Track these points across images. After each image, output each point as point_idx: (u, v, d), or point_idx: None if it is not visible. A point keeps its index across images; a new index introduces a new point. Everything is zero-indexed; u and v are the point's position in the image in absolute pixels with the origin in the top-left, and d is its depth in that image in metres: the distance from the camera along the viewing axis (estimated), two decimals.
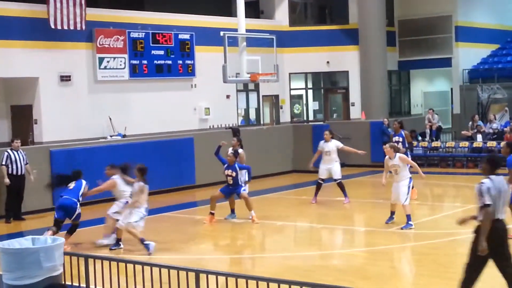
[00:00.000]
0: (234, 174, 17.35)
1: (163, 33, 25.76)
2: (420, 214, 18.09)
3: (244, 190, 17.47)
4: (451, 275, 12.01)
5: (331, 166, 19.52)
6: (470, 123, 28.79)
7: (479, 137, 27.51)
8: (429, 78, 36.37)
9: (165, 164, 23.04)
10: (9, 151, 18.80)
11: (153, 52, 25.45)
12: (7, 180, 18.60)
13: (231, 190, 17.55)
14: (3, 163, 18.66)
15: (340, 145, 19.77)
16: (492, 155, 9.94)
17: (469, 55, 33.34)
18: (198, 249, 15.09)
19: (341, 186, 19.62)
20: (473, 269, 9.25)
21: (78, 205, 14.78)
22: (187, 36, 26.49)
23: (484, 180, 9.32)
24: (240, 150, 18.10)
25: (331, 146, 19.45)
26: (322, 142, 19.70)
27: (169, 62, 25.91)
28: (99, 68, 24.00)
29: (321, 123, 29.70)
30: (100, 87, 24.25)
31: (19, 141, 19.18)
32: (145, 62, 25.21)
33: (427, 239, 15.11)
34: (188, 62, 26.52)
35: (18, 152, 18.89)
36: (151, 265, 9.24)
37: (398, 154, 16.07)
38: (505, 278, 9.29)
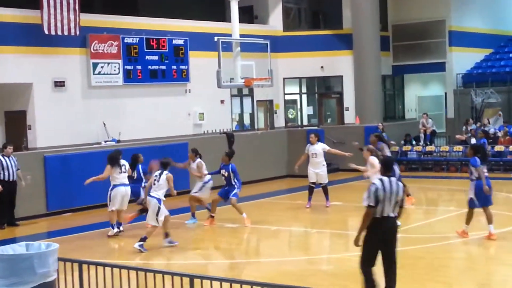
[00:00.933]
0: (226, 174, 17.54)
1: (157, 38, 25.77)
2: (414, 218, 18.12)
3: (235, 194, 17.54)
4: (444, 279, 12.06)
5: (319, 171, 19.60)
6: (464, 127, 28.84)
7: (473, 141, 27.53)
8: (423, 82, 36.42)
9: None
10: (0, 157, 18.75)
11: (147, 57, 25.45)
12: None
13: (226, 191, 17.66)
14: None
15: (327, 147, 19.97)
16: (387, 158, 10.46)
17: (462, 60, 33.39)
18: (192, 254, 15.07)
19: (325, 190, 19.75)
20: (368, 257, 10.00)
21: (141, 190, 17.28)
22: (181, 42, 26.50)
23: (375, 181, 10.01)
24: (198, 160, 18.13)
25: (317, 148, 19.57)
26: (308, 145, 19.81)
27: (163, 67, 25.91)
28: (93, 74, 23.98)
29: (316, 127, 29.74)
30: (94, 93, 24.24)
31: (12, 147, 19.14)
32: (139, 67, 25.21)
33: (421, 243, 15.13)
34: (182, 67, 26.53)
35: (10, 158, 18.84)
36: (145, 270, 9.22)
37: (371, 157, 16.51)
38: (386, 270, 10.02)
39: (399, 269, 12.89)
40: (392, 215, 9.93)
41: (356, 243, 10.01)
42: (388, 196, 9.86)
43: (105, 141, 23.62)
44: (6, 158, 18.74)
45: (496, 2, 35.99)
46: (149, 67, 25.51)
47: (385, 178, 10.01)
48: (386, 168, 10.21)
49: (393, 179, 10.04)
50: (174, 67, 26.28)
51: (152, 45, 25.55)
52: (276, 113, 31.02)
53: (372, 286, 10.07)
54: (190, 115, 27.10)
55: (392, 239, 10.03)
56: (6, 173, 18.66)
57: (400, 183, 10.19)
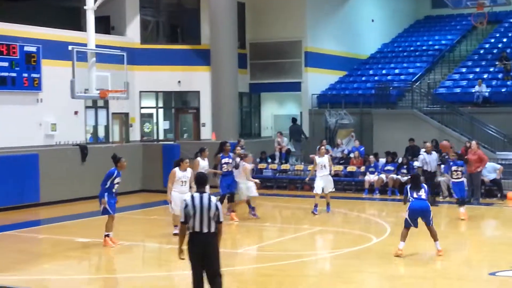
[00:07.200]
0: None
1: (7, 44, 24.65)
2: (267, 236, 18.14)
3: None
4: None
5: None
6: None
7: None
8: (279, 101, 36.84)
9: (6, 181, 22.08)
10: None
11: None
12: None
13: None
14: None
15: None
16: (199, 174, 10.78)
17: (317, 81, 34.05)
18: (41, 269, 14.41)
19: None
20: (193, 275, 10.08)
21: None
22: (33, 49, 25.47)
23: (186, 198, 10.18)
24: None
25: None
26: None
27: (14, 74, 24.80)
28: None
29: (172, 142, 29.44)
30: None
31: None
32: None
33: (274, 260, 15.12)
34: (34, 75, 25.50)
35: None
36: None
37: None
38: (210, 285, 10.08)
39: (251, 285, 12.85)
40: (205, 230, 9.94)
41: (178, 256, 10.21)
42: (199, 212, 9.91)
43: None
44: None
45: (350, 27, 37.03)
46: None
47: (196, 194, 10.09)
48: (198, 183, 10.30)
49: (205, 195, 10.08)
50: (26, 75, 25.22)
51: (1, 50, 24.39)
52: (131, 126, 30.47)
53: None
54: (42, 126, 26.10)
55: (207, 254, 10.00)
56: None
57: (213, 199, 10.09)
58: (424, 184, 15.23)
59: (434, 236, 14.74)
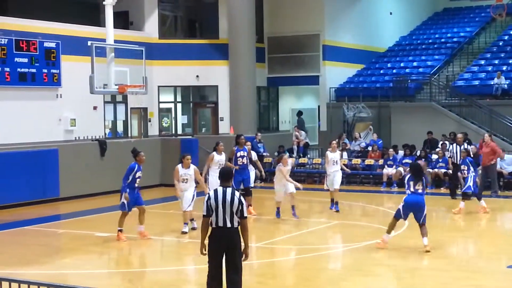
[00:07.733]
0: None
1: (27, 40, 24.83)
2: (285, 230, 18.17)
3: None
4: None
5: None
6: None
7: (344, 154, 28.05)
8: (297, 95, 36.88)
9: (27, 176, 22.24)
10: None
11: (17, 59, 24.45)
12: None
13: None
14: None
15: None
16: (224, 169, 10.48)
17: (336, 74, 34.01)
18: (61, 264, 14.55)
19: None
20: (211, 269, 9.92)
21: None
22: (53, 44, 25.65)
23: (210, 191, 10.23)
24: None
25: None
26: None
27: (33, 70, 24.98)
28: None
29: (190, 137, 29.53)
30: None
31: None
32: (7, 69, 24.16)
33: (292, 254, 15.18)
34: (54, 71, 25.69)
35: None
36: (10, 280, 8.73)
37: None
38: (226, 282, 9.87)
39: (270, 279, 12.92)
40: (228, 225, 9.80)
41: (201, 251, 10.06)
42: (221, 206, 9.76)
43: None
44: None
45: (368, 20, 36.95)
46: (18, 69, 24.54)
47: (220, 188, 9.93)
48: (223, 178, 10.11)
49: (229, 189, 9.91)
50: (45, 70, 25.40)
51: (21, 47, 24.57)
52: (150, 121, 30.60)
53: None
54: (61, 121, 26.28)
55: (228, 249, 9.82)
56: None
57: (237, 194, 9.92)
58: (425, 175, 15.10)
59: (424, 234, 14.59)
